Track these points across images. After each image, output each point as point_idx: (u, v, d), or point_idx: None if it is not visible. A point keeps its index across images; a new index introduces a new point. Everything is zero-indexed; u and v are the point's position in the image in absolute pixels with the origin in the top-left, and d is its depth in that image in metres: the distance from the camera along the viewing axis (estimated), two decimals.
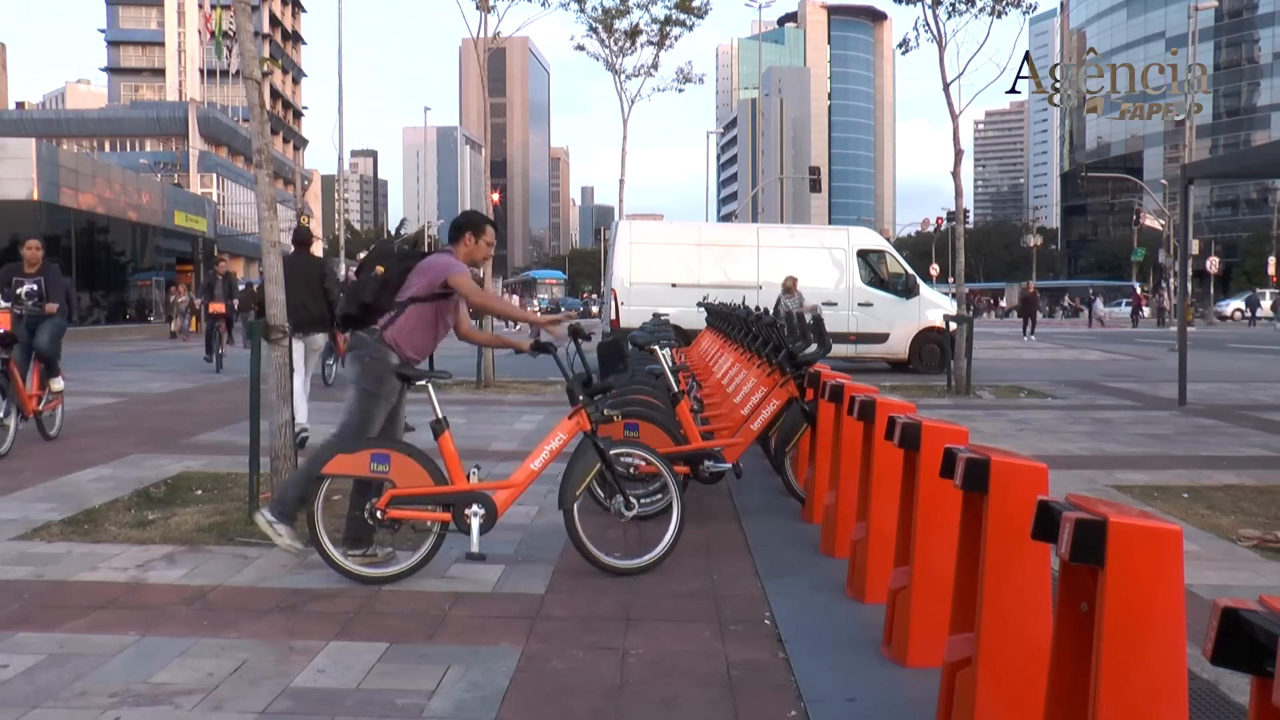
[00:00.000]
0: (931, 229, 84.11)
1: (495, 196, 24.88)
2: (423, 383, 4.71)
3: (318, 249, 9.16)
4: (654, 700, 3.31)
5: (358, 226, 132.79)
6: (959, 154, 14.23)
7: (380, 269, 4.95)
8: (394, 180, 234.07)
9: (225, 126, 69.31)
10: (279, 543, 4.83)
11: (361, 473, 4.58)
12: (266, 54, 59.59)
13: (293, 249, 9.06)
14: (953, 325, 14.31)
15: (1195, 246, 57.36)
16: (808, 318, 9.92)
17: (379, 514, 4.55)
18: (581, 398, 4.78)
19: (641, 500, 5.19)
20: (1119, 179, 76.57)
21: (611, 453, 4.79)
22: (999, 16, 14.24)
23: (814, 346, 6.16)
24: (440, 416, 4.67)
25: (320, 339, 9.06)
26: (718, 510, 6.12)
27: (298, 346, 8.51)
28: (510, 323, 4.93)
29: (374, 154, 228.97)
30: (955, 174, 14.35)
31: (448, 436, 4.70)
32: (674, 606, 4.31)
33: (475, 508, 4.53)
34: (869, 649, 3.76)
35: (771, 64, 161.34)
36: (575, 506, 4.68)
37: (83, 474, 7.28)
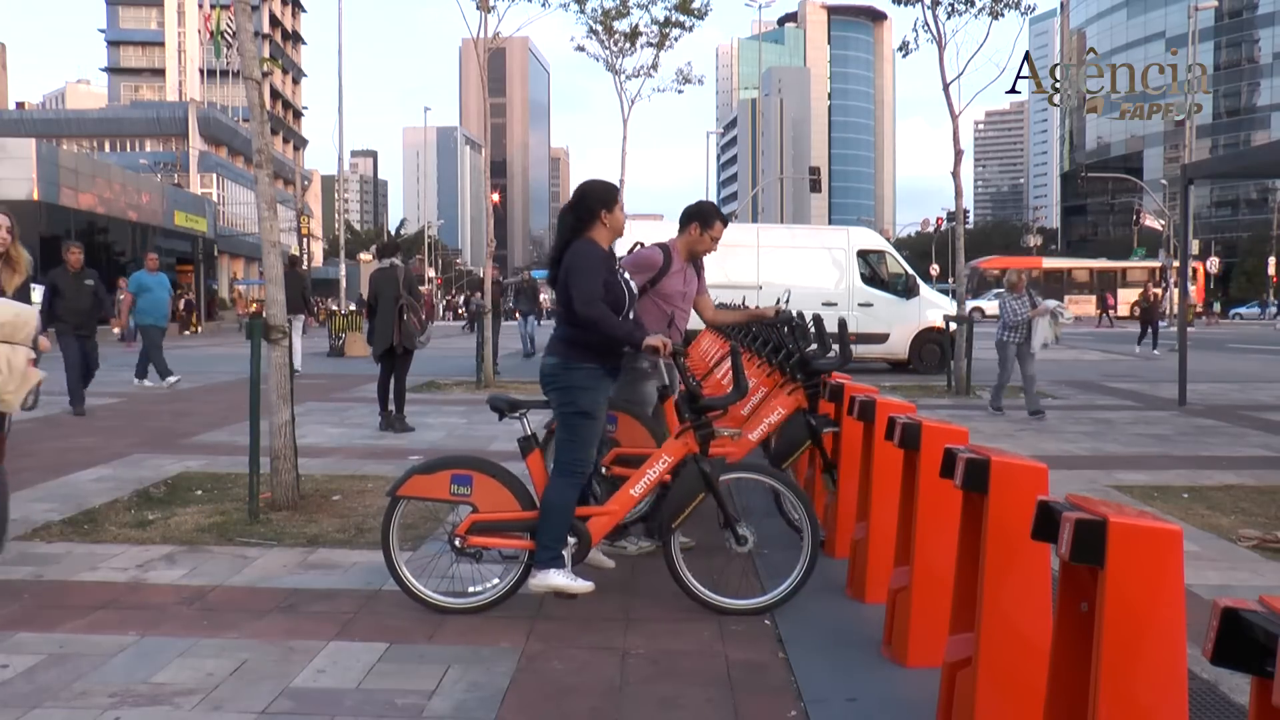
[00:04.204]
0: (931, 229, 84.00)
1: (495, 196, 24.87)
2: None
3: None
4: (654, 700, 3.31)
5: (358, 227, 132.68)
6: (959, 154, 14.23)
7: None
8: (394, 180, 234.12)
9: (225, 126, 69.30)
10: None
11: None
12: (266, 54, 59.51)
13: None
14: (952, 325, 14.32)
15: (1195, 247, 57.36)
16: (1052, 316, 10.00)
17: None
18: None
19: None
20: (1119, 179, 76.47)
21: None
22: (998, 17, 14.24)
23: (832, 353, 5.40)
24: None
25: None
26: (717, 511, 6.11)
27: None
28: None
29: (374, 154, 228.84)
30: (955, 174, 14.35)
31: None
32: (674, 606, 4.31)
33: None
34: (869, 649, 3.76)
35: (771, 64, 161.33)
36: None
37: (83, 474, 7.28)
